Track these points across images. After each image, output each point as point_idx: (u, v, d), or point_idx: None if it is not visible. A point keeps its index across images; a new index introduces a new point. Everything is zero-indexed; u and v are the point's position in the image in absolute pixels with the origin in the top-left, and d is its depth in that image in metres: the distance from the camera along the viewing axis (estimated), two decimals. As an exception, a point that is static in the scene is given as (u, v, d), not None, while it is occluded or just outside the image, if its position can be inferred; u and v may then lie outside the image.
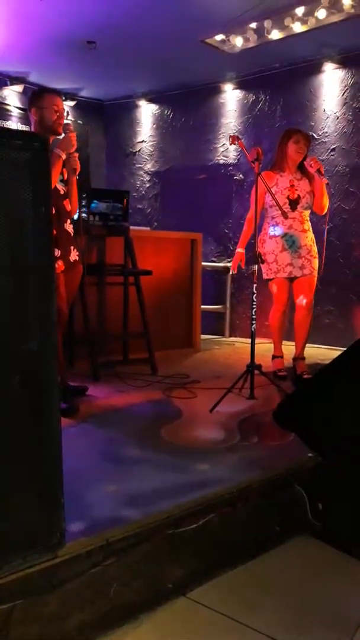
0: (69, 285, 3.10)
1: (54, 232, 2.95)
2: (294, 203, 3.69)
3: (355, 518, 2.03)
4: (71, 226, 3.12)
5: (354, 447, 2.06)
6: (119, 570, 1.60)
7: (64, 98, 3.16)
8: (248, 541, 1.98)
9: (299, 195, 3.69)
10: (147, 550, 1.67)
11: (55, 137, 3.01)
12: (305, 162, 3.70)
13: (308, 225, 3.78)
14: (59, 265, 2.97)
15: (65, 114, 3.05)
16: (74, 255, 3.11)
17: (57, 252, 2.95)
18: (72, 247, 3.11)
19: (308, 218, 3.79)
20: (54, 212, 2.92)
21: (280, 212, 3.51)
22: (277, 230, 3.71)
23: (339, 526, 2.06)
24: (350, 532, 2.03)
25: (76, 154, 3.01)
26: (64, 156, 2.94)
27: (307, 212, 3.78)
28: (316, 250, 3.76)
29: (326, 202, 3.75)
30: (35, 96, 3.05)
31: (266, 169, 3.84)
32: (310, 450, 2.25)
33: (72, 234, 3.12)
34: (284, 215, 3.40)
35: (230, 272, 3.37)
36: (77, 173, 3.08)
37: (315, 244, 3.77)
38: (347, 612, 1.69)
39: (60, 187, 3.05)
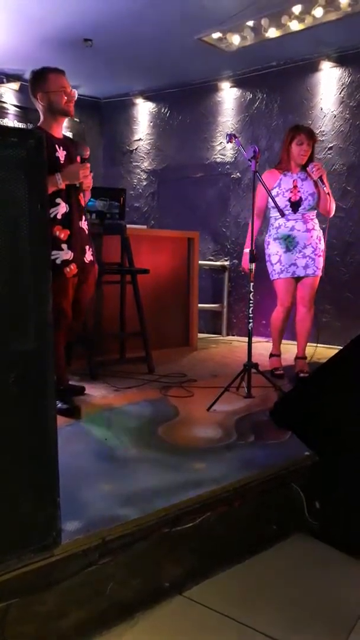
0: (83, 289, 2.88)
1: (68, 231, 2.75)
2: (295, 205, 3.66)
3: (353, 517, 2.03)
4: (86, 223, 2.88)
5: (351, 445, 2.07)
6: (115, 569, 1.59)
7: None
8: (245, 540, 1.98)
9: (300, 198, 3.66)
10: (143, 549, 1.67)
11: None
12: (307, 168, 3.63)
13: (312, 224, 3.72)
14: (72, 269, 2.76)
15: (75, 94, 2.77)
16: (89, 256, 2.88)
17: (70, 255, 2.75)
18: (87, 247, 2.87)
19: (314, 217, 3.74)
20: (68, 209, 2.75)
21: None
22: (279, 232, 3.70)
23: (336, 525, 2.06)
24: (347, 530, 2.03)
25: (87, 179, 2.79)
26: (62, 186, 2.68)
27: (312, 212, 3.72)
28: (322, 248, 3.73)
29: (332, 206, 3.69)
30: (39, 79, 2.75)
31: (271, 167, 3.82)
32: (308, 448, 2.25)
33: (87, 232, 2.89)
34: (281, 213, 3.39)
35: (246, 271, 3.36)
36: (89, 188, 2.89)
37: (322, 242, 3.73)
38: (344, 611, 1.69)
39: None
